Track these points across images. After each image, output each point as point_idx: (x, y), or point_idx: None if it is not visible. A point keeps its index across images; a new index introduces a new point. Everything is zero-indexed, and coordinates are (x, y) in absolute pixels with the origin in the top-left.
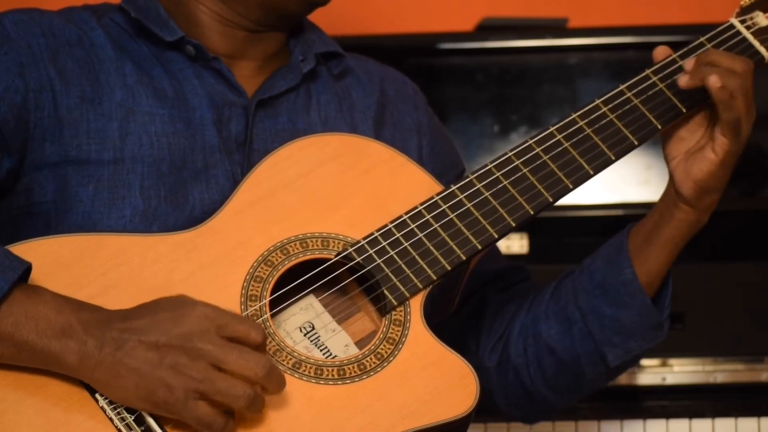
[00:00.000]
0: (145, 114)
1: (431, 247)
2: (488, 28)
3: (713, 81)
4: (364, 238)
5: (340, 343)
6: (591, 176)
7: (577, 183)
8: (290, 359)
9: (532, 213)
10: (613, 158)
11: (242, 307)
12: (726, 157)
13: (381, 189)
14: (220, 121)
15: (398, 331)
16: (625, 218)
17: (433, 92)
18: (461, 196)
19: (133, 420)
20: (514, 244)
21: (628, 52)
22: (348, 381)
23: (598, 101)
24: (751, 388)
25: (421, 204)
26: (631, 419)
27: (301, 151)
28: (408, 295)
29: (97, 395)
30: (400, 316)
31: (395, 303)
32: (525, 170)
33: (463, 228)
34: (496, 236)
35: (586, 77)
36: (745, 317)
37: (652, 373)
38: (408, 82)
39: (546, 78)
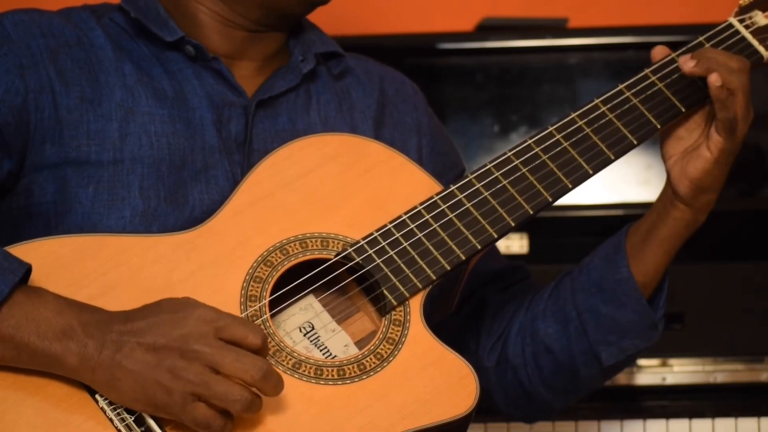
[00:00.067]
0: (145, 114)
1: (431, 247)
2: (488, 28)
3: (714, 78)
4: (364, 238)
5: (340, 343)
6: (590, 176)
7: (577, 182)
8: (290, 359)
9: (531, 213)
10: (613, 158)
11: (242, 307)
12: (721, 156)
13: (380, 189)
14: (220, 121)
15: (398, 331)
16: (624, 218)
17: (433, 92)
18: (461, 196)
19: (133, 421)
20: (514, 244)
21: (628, 52)
22: (348, 381)
23: (597, 101)
24: (751, 388)
25: (421, 204)
26: (631, 419)
27: (300, 152)
28: (407, 295)
29: (97, 396)
30: (400, 316)
31: (395, 303)
32: (524, 170)
33: (462, 228)
34: (496, 236)
35: (586, 77)
36: (745, 317)
37: (652, 373)
38: (408, 81)
39: (546, 78)
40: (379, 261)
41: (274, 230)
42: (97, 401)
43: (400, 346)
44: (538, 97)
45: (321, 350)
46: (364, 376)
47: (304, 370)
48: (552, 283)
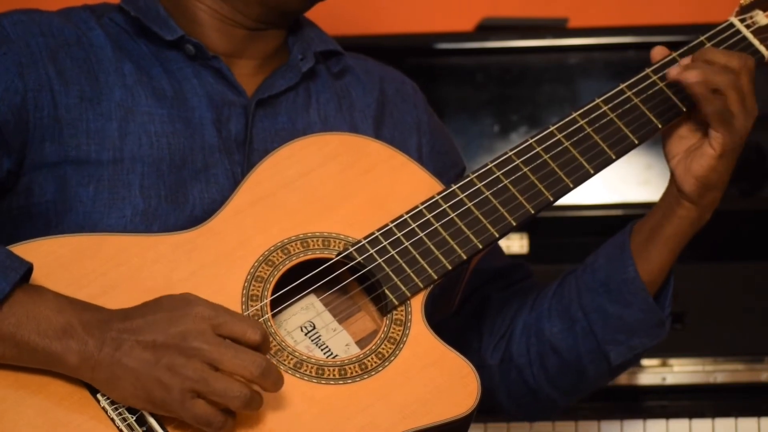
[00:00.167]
0: (145, 114)
1: (432, 247)
2: (488, 28)
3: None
4: (365, 238)
5: (341, 343)
6: (591, 175)
7: (578, 182)
8: (291, 359)
9: (532, 212)
10: (614, 157)
11: (243, 306)
12: (724, 151)
13: (381, 188)
14: (220, 120)
15: (399, 330)
16: (625, 218)
17: (433, 92)
18: (462, 196)
19: (135, 420)
20: (514, 244)
21: (628, 52)
22: (349, 381)
23: (598, 100)
24: (751, 388)
25: (422, 203)
26: (631, 419)
27: (301, 151)
28: (409, 294)
29: (98, 395)
30: (401, 315)
31: (396, 302)
32: (525, 169)
33: (463, 227)
34: (497, 235)
35: (586, 77)
36: (745, 317)
37: (652, 373)
38: (407, 81)
39: (546, 78)
40: (380, 260)
41: (275, 230)
42: (98, 401)
43: (401, 345)
44: (539, 97)
45: (322, 350)
46: (366, 376)
47: (306, 370)
48: (555, 282)
